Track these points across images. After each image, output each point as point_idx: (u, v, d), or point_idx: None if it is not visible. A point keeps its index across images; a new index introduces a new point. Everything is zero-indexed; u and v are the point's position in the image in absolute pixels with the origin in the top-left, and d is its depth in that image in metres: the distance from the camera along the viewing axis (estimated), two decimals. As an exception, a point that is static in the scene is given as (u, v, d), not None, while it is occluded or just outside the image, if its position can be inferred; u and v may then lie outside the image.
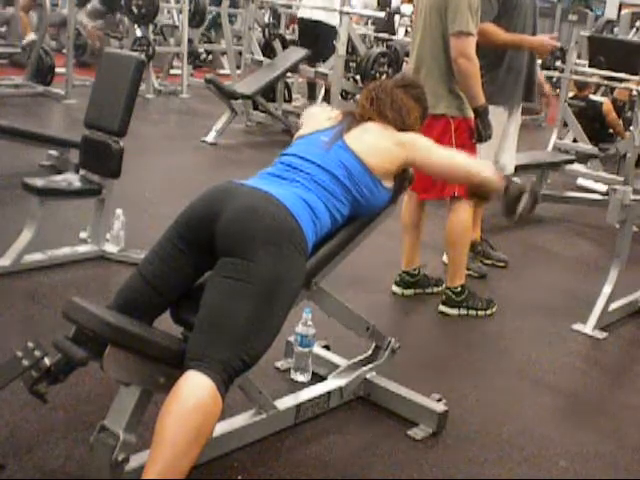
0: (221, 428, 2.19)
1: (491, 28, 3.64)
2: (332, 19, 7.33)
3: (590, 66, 6.69)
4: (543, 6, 15.89)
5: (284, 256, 1.98)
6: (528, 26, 3.84)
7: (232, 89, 6.73)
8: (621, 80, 6.49)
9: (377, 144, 2.34)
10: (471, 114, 3.36)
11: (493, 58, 3.74)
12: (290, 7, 9.31)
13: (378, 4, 11.89)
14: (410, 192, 3.48)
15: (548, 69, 7.47)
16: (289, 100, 7.81)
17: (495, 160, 3.95)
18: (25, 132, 4.56)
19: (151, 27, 8.49)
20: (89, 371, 2.01)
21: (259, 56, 7.66)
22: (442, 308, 3.54)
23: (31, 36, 7.99)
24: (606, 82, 6.88)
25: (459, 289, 3.51)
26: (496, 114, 3.78)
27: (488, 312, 3.55)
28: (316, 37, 7.56)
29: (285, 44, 8.21)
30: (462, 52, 3.23)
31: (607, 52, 6.59)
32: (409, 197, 3.61)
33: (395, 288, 3.71)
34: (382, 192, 2.34)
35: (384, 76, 6.90)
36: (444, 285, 3.63)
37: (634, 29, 8.25)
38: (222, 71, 9.94)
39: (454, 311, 3.52)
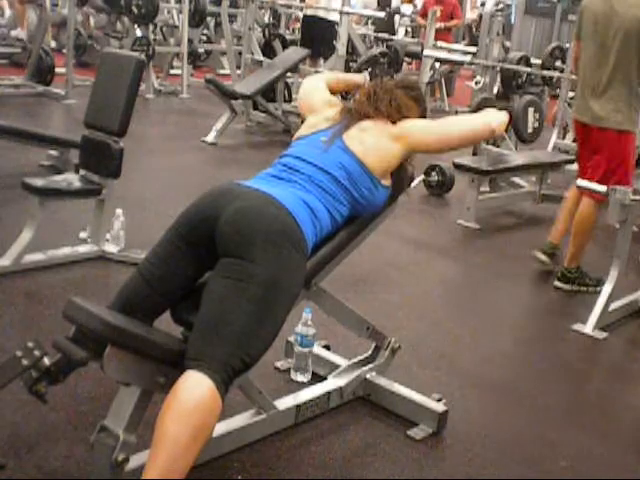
0: (221, 428, 2.19)
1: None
2: (332, 15, 7.51)
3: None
4: (543, 6, 15.94)
5: (284, 257, 1.98)
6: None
7: (232, 89, 6.72)
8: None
9: (376, 144, 2.32)
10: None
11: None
12: (290, 7, 9.32)
13: (378, 4, 11.90)
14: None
15: (548, 69, 7.46)
16: (289, 100, 7.81)
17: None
18: (25, 132, 4.55)
19: (151, 27, 8.49)
20: (89, 371, 2.01)
21: (259, 56, 7.67)
22: (557, 283, 4.02)
23: (20, 33, 7.98)
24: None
25: (574, 269, 3.98)
26: None
27: (598, 289, 3.76)
28: (317, 31, 7.72)
29: (285, 44, 8.22)
30: None
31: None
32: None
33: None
34: (381, 192, 2.34)
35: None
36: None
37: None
38: (222, 71, 9.93)
39: (567, 286, 3.99)
